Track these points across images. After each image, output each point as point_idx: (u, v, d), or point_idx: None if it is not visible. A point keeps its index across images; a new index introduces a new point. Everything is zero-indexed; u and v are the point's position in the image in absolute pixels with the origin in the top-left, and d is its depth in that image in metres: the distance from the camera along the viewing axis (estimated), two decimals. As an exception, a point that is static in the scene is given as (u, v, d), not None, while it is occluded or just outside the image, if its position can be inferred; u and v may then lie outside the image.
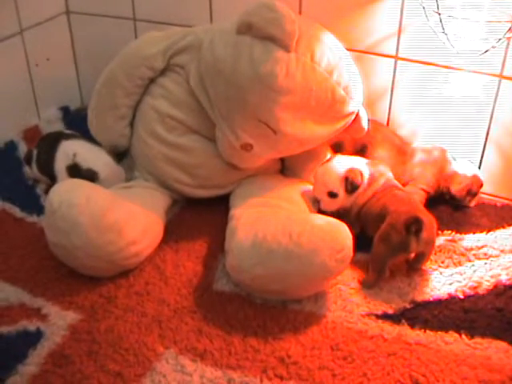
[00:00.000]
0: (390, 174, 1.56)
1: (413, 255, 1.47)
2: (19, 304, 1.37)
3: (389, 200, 1.47)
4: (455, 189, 1.66)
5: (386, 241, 1.41)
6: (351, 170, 1.52)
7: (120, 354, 1.26)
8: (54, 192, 1.40)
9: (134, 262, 1.47)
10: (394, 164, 1.66)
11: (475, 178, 1.66)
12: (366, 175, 1.53)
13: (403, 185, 1.62)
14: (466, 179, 1.66)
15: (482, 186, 1.67)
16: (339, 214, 1.52)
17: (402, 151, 1.70)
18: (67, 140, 1.70)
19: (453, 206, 1.70)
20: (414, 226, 1.37)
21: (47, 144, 1.71)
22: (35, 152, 1.73)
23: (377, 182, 1.53)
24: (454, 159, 1.69)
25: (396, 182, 1.56)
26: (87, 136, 1.75)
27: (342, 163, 1.55)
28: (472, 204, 1.70)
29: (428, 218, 1.41)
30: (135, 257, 1.46)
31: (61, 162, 1.67)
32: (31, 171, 1.76)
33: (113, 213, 1.40)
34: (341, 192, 1.53)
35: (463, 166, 1.68)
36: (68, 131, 1.79)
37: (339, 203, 1.55)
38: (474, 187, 1.66)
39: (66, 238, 1.37)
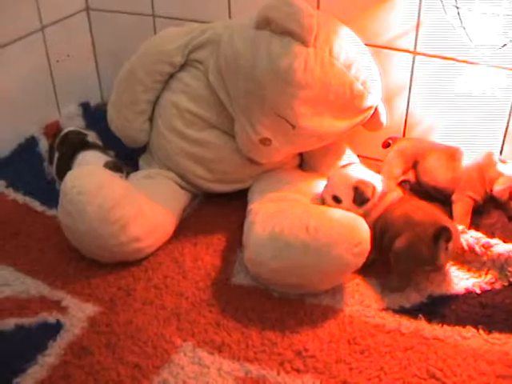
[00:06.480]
0: (398, 191, 1.51)
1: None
2: (39, 296, 1.39)
3: (410, 210, 1.42)
4: (497, 189, 1.55)
5: (413, 252, 1.37)
6: (363, 182, 1.48)
7: (138, 346, 1.27)
8: (70, 175, 1.43)
9: (135, 256, 1.48)
10: (445, 171, 1.61)
11: None
12: (379, 191, 1.48)
13: (451, 193, 1.59)
14: (511, 181, 1.54)
15: None
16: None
17: (451, 157, 1.62)
18: (85, 151, 1.71)
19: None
20: (443, 237, 1.34)
21: (68, 151, 1.72)
22: (57, 155, 1.75)
23: (387, 197, 1.48)
24: (504, 162, 1.58)
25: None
26: (109, 144, 1.79)
27: (357, 172, 1.51)
28: None
29: (453, 227, 1.39)
30: (137, 252, 1.47)
31: None
32: (50, 170, 1.78)
33: (121, 208, 1.41)
34: (346, 200, 1.48)
35: (511, 169, 1.57)
36: (91, 139, 1.80)
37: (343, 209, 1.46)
38: None
39: (72, 221, 1.40)
